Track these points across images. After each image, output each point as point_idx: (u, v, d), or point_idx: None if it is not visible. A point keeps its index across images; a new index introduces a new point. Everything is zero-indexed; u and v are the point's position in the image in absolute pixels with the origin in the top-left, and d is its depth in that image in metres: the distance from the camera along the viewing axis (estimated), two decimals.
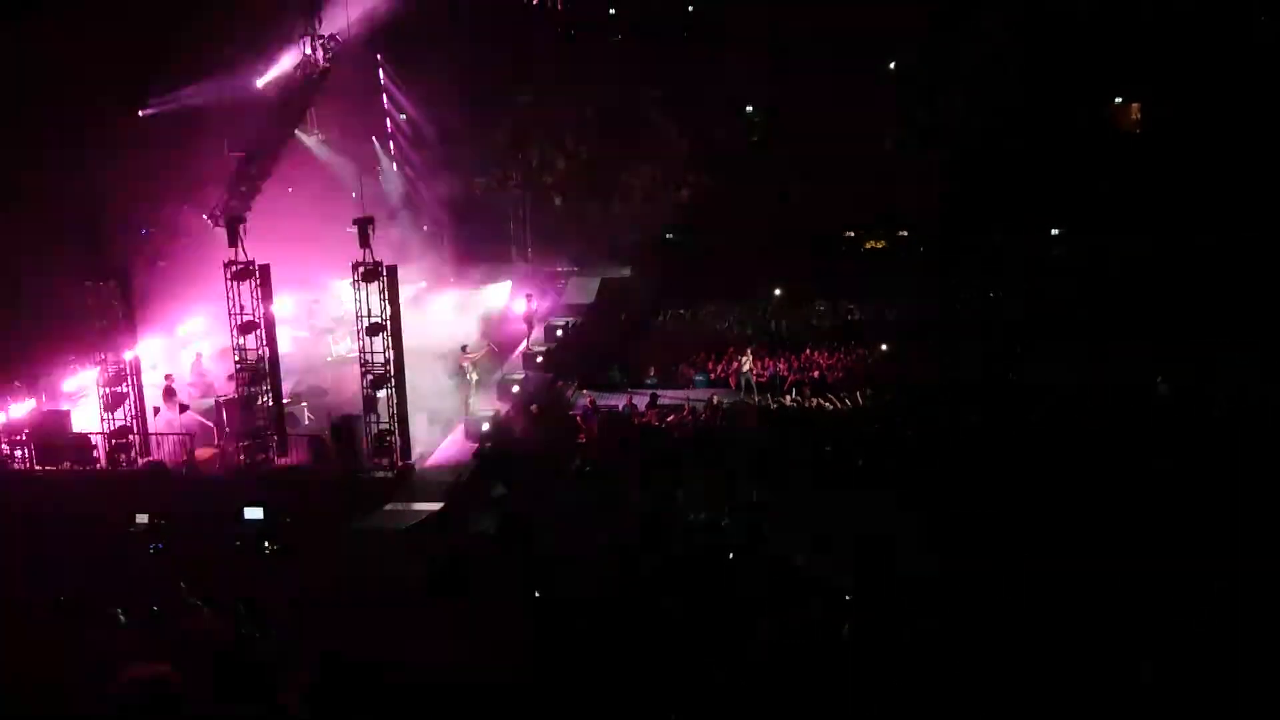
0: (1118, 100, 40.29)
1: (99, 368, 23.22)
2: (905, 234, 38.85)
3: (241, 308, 22.52)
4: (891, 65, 41.45)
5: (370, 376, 22.73)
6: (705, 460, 22.58)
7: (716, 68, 40.50)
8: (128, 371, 23.36)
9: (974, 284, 33.86)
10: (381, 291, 22.65)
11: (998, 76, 39.13)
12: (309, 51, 25.53)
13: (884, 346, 30.47)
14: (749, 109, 42.22)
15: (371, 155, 35.22)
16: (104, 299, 23.11)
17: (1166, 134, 37.45)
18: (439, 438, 25.27)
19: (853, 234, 39.34)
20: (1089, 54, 37.81)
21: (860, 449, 22.54)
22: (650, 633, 13.65)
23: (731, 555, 17.36)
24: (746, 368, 29.11)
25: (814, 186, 39.14)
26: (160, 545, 18.33)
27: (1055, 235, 37.47)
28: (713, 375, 30.14)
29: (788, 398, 28.11)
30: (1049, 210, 36.86)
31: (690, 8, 42.69)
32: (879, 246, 39.37)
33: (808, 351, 30.68)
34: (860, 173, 39.54)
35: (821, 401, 27.52)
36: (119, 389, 23.15)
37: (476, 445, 24.65)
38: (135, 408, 23.47)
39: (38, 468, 22.59)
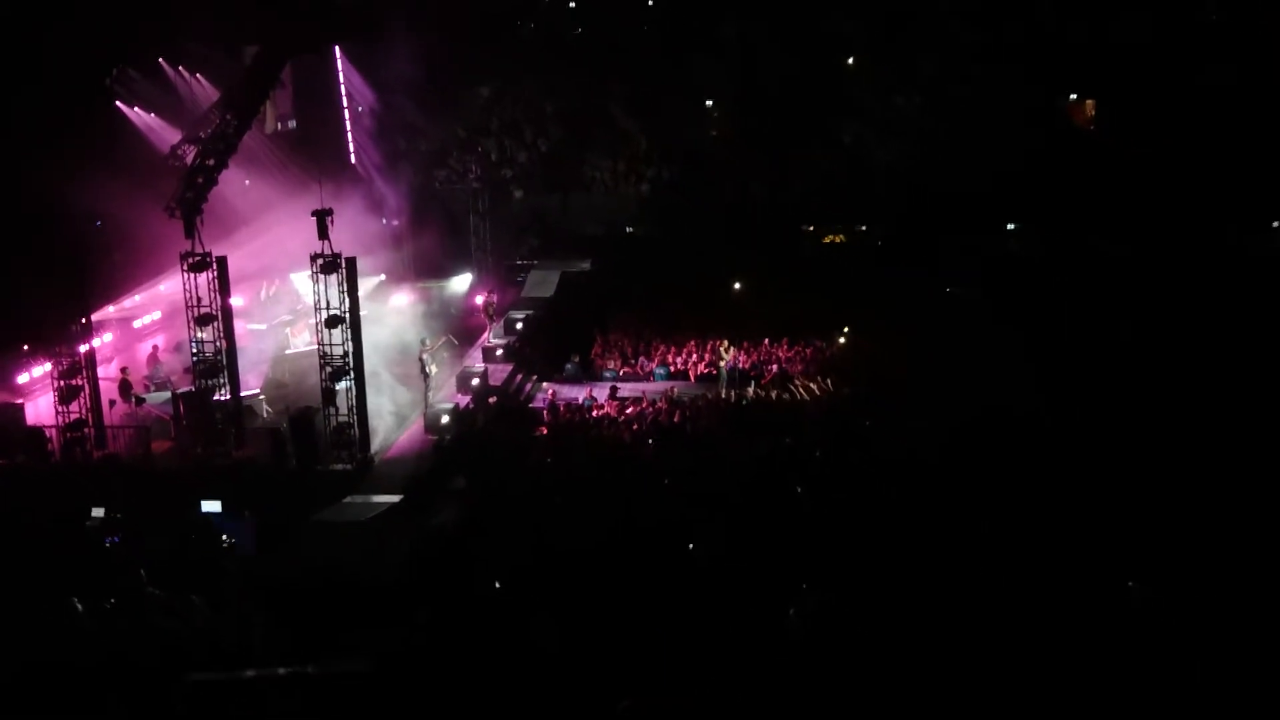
0: (1073, 97, 40.81)
1: (53, 361, 22.99)
2: (864, 228, 39.09)
3: (199, 300, 22.37)
4: (850, 61, 41.76)
5: (329, 369, 22.65)
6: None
7: (677, 61, 40.68)
8: (82, 364, 23.15)
9: (932, 278, 34.07)
10: (340, 284, 22.57)
11: (954, 73, 39.57)
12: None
13: (841, 339, 30.68)
14: (709, 103, 42.36)
15: (330, 147, 34.98)
16: (58, 292, 22.89)
17: (1121, 130, 37.99)
18: (399, 431, 25.24)
19: (812, 228, 39.52)
20: (1045, 51, 38.31)
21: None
22: (610, 623, 13.73)
23: (691, 547, 17.46)
24: (726, 359, 29.24)
25: (774, 181, 39.42)
26: (116, 539, 18.21)
27: (1011, 230, 37.84)
28: (672, 368, 30.24)
29: (750, 389, 28.27)
30: (1005, 205, 37.23)
31: (650, 2, 42.80)
32: (838, 240, 39.59)
33: (766, 343, 30.84)
34: (820, 167, 39.89)
35: (782, 394, 27.68)
36: (73, 382, 22.93)
37: (436, 438, 24.63)
38: (90, 401, 23.25)
39: None
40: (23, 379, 24.98)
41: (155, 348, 27.33)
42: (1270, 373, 24.12)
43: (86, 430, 22.99)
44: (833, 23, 40.39)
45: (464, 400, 26.57)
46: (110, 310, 27.78)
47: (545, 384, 29.46)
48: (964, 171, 36.37)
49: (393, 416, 25.54)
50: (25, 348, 24.76)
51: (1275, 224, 35.64)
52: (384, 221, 35.46)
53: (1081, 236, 34.80)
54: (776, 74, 39.89)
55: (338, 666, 11.01)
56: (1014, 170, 36.17)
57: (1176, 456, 20.12)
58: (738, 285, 34.75)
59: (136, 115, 29.67)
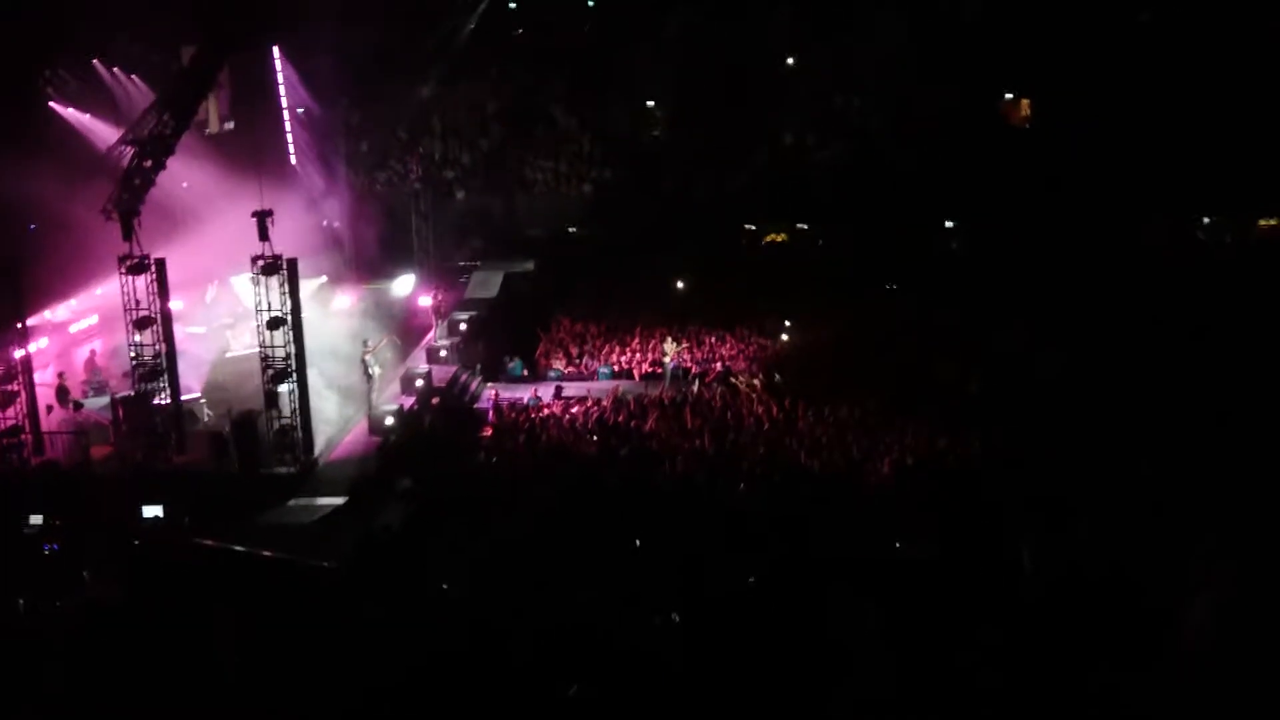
0: (1009, 96, 41.49)
1: None
2: (805, 227, 39.46)
3: (137, 303, 22.12)
4: (790, 61, 42.14)
5: (271, 371, 22.51)
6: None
7: (618, 62, 40.80)
8: (18, 370, 22.79)
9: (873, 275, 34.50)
10: (282, 285, 22.43)
11: (893, 73, 40.05)
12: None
13: (784, 336, 30.97)
14: (650, 104, 42.55)
15: (270, 148, 34.68)
16: None
17: (1055, 129, 38.68)
18: (342, 433, 25.13)
19: (754, 227, 39.85)
20: (980, 51, 38.90)
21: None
22: (559, 627, 13.84)
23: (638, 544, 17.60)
24: (669, 356, 29.37)
25: (715, 181, 39.66)
26: (55, 546, 17.99)
27: (950, 228, 38.40)
28: (616, 367, 30.36)
29: (695, 387, 28.43)
30: (944, 203, 37.78)
31: (590, 2, 42.88)
32: (779, 240, 39.94)
33: (711, 340, 31.07)
34: (761, 167, 40.21)
35: (725, 391, 27.87)
36: (9, 388, 22.57)
37: (380, 439, 24.56)
38: (26, 406, 22.91)
39: None
40: None
41: (93, 352, 26.97)
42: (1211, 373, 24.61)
43: (23, 436, 22.63)
44: (772, 23, 40.71)
45: (408, 401, 26.51)
46: (46, 315, 27.39)
47: (490, 384, 29.45)
48: (903, 171, 36.87)
49: (336, 418, 25.40)
50: None
51: (1205, 219, 36.50)
52: (325, 223, 35.27)
53: (1018, 233, 35.40)
54: (716, 74, 40.15)
55: None
56: (952, 169, 36.74)
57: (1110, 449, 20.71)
58: (680, 284, 34.95)
59: (72, 116, 29.29)
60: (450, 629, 13.85)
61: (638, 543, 17.47)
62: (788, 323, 31.34)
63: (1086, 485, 18.78)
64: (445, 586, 15.78)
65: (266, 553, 14.80)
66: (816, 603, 13.93)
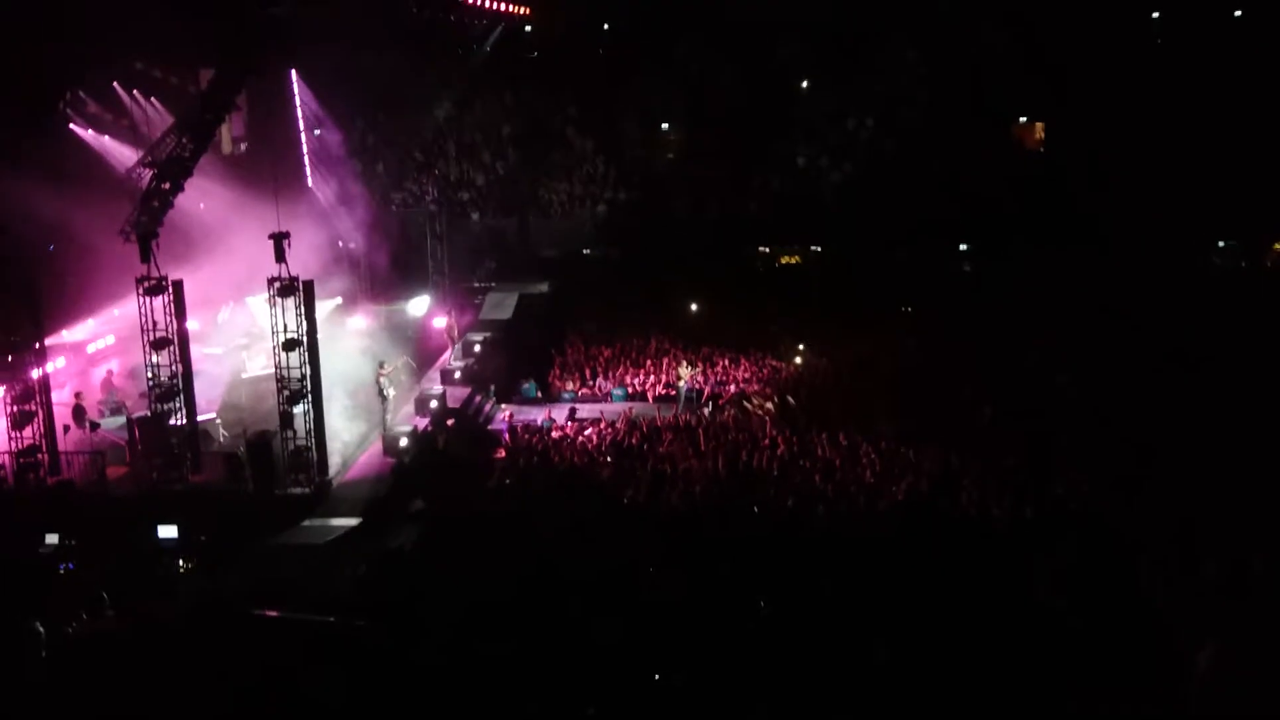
0: (1023, 120, 41.58)
1: (5, 386, 22.75)
2: (818, 249, 39.55)
3: (154, 324, 22.23)
4: (804, 85, 42.30)
5: (286, 392, 22.59)
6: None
7: (631, 85, 41.03)
8: (35, 390, 22.91)
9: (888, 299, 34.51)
10: (298, 307, 22.53)
11: (906, 96, 40.20)
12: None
13: (798, 359, 30.97)
14: (664, 126, 42.75)
15: (286, 170, 34.89)
16: (10, 316, 22.68)
17: (1069, 153, 38.74)
18: (357, 454, 25.18)
19: (767, 249, 39.95)
20: (995, 75, 39.03)
21: None
22: (569, 647, 13.83)
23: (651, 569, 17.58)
24: (683, 379, 29.38)
25: (728, 203, 39.80)
26: (70, 565, 18.07)
27: (963, 250, 38.46)
28: (630, 389, 30.40)
29: (706, 410, 28.44)
30: (957, 226, 37.85)
31: (606, 26, 43.15)
32: (793, 262, 40.03)
33: (724, 363, 31.10)
34: (773, 190, 40.33)
35: (739, 414, 27.86)
36: (27, 407, 22.69)
37: (394, 460, 24.61)
38: (44, 426, 23.02)
39: None
40: None
41: (110, 372, 27.08)
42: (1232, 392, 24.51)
43: (40, 456, 22.71)
44: (785, 47, 40.91)
45: (422, 423, 26.57)
46: (64, 335, 27.55)
47: (504, 406, 29.51)
48: (916, 194, 36.94)
49: (350, 439, 25.46)
50: None
51: (1221, 243, 36.50)
52: (340, 244, 35.41)
53: (1030, 256, 35.42)
54: (730, 97, 40.35)
55: None
56: (965, 192, 36.81)
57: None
58: (694, 306, 35.02)
59: (91, 138, 29.53)
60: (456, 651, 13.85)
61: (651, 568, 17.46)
62: (801, 346, 31.34)
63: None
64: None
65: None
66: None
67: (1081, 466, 21.34)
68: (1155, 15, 40.12)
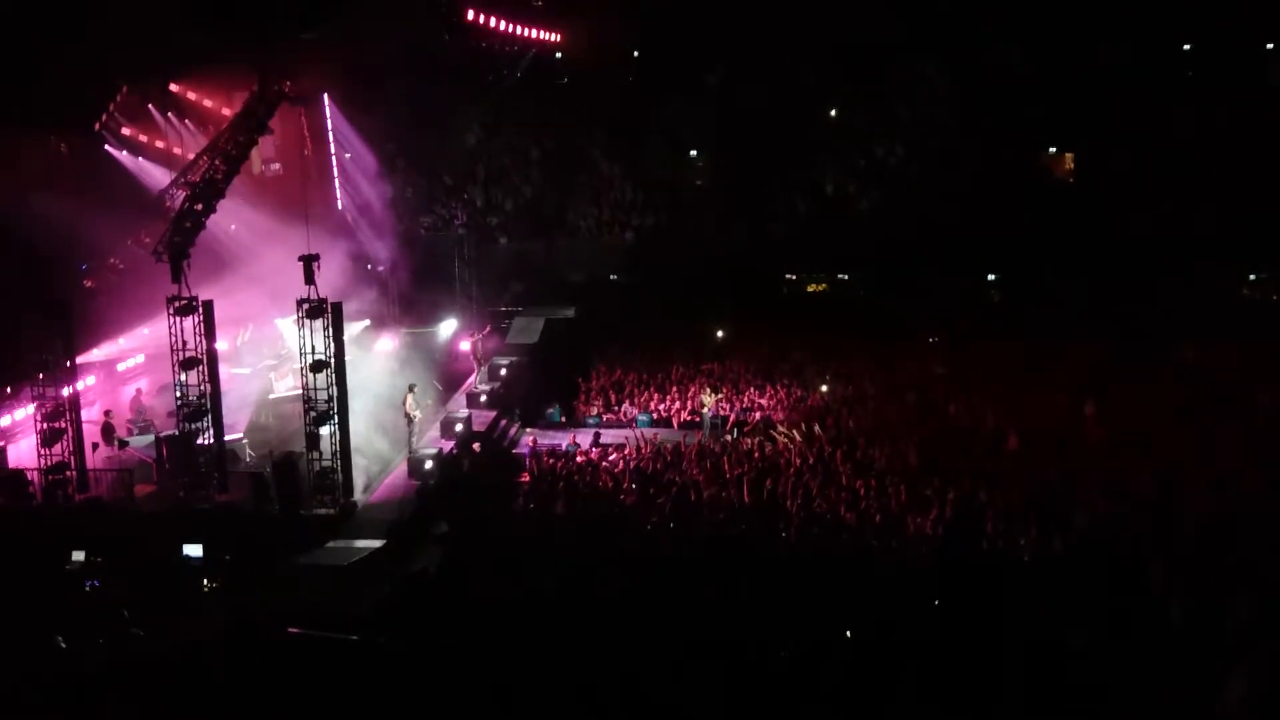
0: (1052, 150, 41.47)
1: (36, 403, 22.98)
2: (846, 277, 39.49)
3: (184, 344, 22.40)
4: (833, 113, 42.38)
5: (313, 414, 22.68)
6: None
7: (660, 111, 41.21)
8: (66, 407, 23.13)
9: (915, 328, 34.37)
10: (326, 328, 22.64)
11: (936, 125, 40.20)
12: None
13: (824, 388, 30.83)
14: (693, 153, 42.88)
15: (317, 192, 35.18)
16: (42, 333, 22.92)
17: (1099, 183, 38.63)
18: (382, 476, 25.25)
19: (794, 277, 39.91)
20: (1024, 105, 39.00)
21: None
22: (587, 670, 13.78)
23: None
24: (707, 406, 29.31)
25: (756, 229, 39.81)
26: (97, 582, 18.18)
27: (991, 280, 38.32)
28: (655, 415, 30.34)
29: (729, 437, 28.33)
30: (985, 255, 37.74)
31: (636, 53, 43.37)
32: (820, 289, 39.97)
33: (752, 391, 31.00)
34: (802, 216, 40.35)
35: (764, 441, 27.74)
36: (56, 425, 22.91)
37: (419, 483, 24.65)
38: (73, 443, 23.21)
39: None
40: (4, 421, 24.97)
41: (139, 391, 27.30)
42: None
43: (69, 473, 22.93)
44: (813, 73, 40.99)
45: (447, 446, 26.61)
46: (95, 353, 27.81)
47: (528, 430, 29.51)
48: (944, 222, 36.87)
49: (376, 461, 25.53)
50: (7, 390, 24.77)
51: (1252, 276, 36.20)
52: (369, 267, 35.63)
53: (1059, 286, 35.26)
54: (758, 123, 40.43)
55: None
56: (993, 221, 36.72)
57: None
58: (720, 333, 34.98)
59: (126, 159, 29.88)
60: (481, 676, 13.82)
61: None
62: (827, 374, 31.22)
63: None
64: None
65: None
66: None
67: (1109, 499, 21.10)
68: (1186, 47, 39.95)
